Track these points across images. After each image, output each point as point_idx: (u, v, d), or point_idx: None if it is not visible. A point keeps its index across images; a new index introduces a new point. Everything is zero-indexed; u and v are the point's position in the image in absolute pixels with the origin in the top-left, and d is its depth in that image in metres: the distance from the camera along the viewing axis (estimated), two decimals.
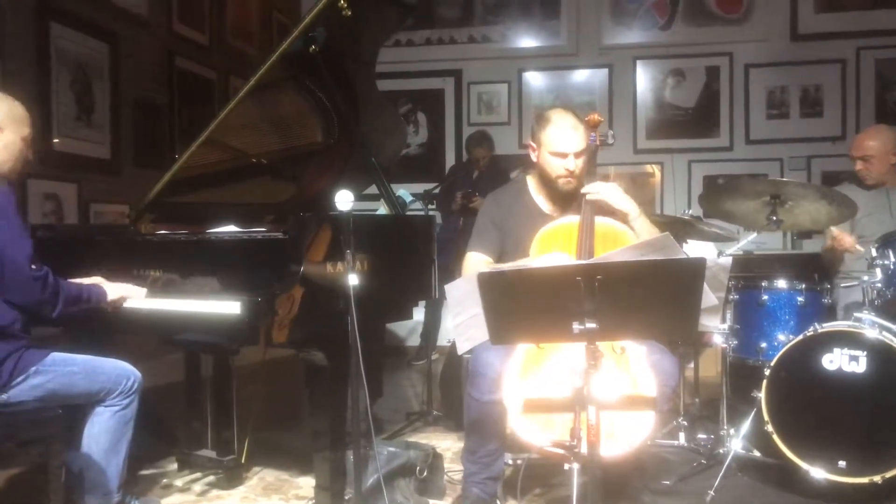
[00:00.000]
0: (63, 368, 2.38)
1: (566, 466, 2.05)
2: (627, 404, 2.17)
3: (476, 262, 2.65)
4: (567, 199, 2.68)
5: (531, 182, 2.77)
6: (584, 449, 1.92)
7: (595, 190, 2.52)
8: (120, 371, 2.50)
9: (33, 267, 2.26)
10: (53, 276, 2.33)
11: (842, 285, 3.43)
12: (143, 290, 2.63)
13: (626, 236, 2.48)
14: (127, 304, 2.58)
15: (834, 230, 3.28)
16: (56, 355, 2.39)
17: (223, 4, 5.76)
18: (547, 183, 2.67)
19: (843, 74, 6.06)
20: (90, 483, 2.48)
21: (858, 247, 3.22)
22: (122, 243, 3.00)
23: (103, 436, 2.47)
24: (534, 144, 2.66)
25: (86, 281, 2.55)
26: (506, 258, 2.65)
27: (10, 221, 2.27)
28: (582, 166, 2.59)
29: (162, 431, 3.27)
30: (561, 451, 2.01)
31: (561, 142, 2.56)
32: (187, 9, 5.29)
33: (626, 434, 2.16)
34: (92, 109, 4.38)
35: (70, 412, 2.42)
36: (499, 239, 2.68)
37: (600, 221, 2.50)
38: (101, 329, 2.70)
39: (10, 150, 2.42)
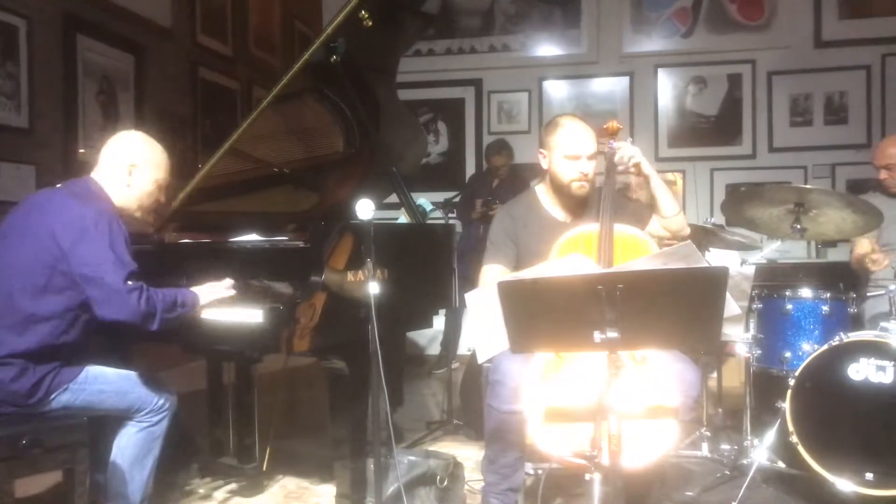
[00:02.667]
0: (93, 386, 2.38)
1: (587, 477, 2.03)
2: (649, 414, 2.16)
3: (493, 273, 2.62)
4: (580, 204, 2.67)
5: (542, 191, 2.75)
6: (605, 459, 1.91)
7: (625, 153, 2.56)
8: (152, 390, 2.49)
9: (129, 283, 2.26)
10: (148, 287, 2.31)
11: (868, 295, 3.39)
12: (229, 282, 2.57)
13: (647, 245, 2.47)
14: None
15: (870, 249, 3.24)
16: (90, 371, 2.39)
17: (246, 16, 5.82)
18: (559, 189, 2.66)
19: (868, 81, 5.99)
20: (113, 493, 2.50)
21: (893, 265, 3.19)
22: (146, 252, 3.03)
23: (129, 449, 2.48)
24: (544, 151, 2.66)
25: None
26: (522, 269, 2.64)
27: (116, 248, 2.28)
28: (593, 168, 2.60)
29: (184, 438, 3.29)
30: (582, 462, 2.00)
31: (573, 144, 2.57)
32: (211, 20, 5.35)
33: (647, 444, 2.14)
34: (117, 120, 4.44)
35: (96, 420, 2.43)
36: (514, 251, 2.67)
37: (620, 230, 2.49)
38: (124, 337, 2.72)
39: (140, 190, 2.49)
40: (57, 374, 2.31)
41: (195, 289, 2.51)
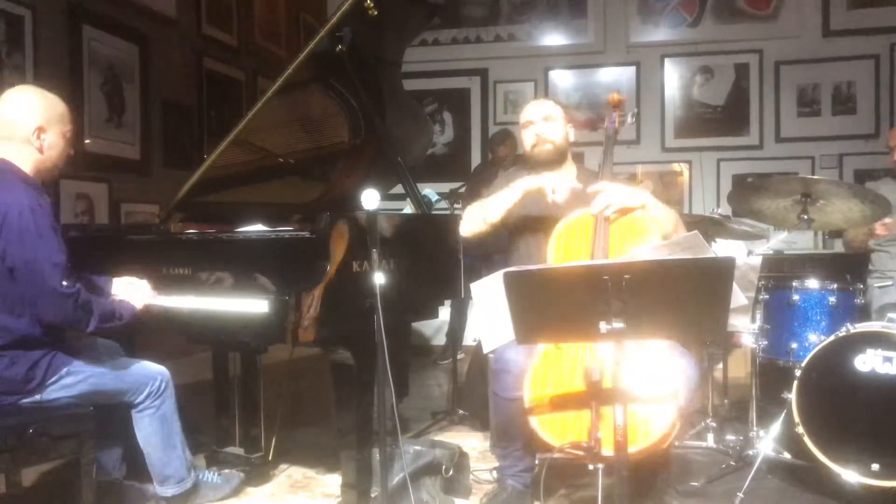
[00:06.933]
0: (94, 369, 2.41)
1: (591, 467, 2.03)
2: (645, 405, 2.15)
3: (473, 206, 2.73)
4: (550, 167, 2.73)
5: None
6: (603, 450, 1.91)
7: (602, 202, 2.41)
8: (147, 371, 2.52)
9: (64, 283, 2.21)
10: (86, 293, 2.28)
11: (876, 285, 3.37)
12: (147, 291, 2.58)
13: (644, 223, 2.44)
14: (156, 304, 2.60)
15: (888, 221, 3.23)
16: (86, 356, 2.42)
17: (251, 6, 5.81)
18: (531, 161, 2.79)
19: (876, 70, 5.96)
20: (160, 478, 2.57)
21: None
22: (152, 242, 3.04)
23: (153, 437, 2.54)
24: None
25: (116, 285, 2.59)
26: (516, 257, 2.71)
27: (45, 238, 2.21)
28: (554, 131, 2.71)
29: (191, 429, 3.31)
30: (579, 453, 2.00)
31: (525, 113, 2.79)
32: (216, 10, 5.34)
33: (643, 434, 2.14)
34: (122, 110, 4.45)
35: (102, 409, 2.45)
36: None
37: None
38: (130, 328, 2.72)
39: (55, 150, 2.38)
40: (52, 359, 2.32)
41: (130, 297, 2.50)
